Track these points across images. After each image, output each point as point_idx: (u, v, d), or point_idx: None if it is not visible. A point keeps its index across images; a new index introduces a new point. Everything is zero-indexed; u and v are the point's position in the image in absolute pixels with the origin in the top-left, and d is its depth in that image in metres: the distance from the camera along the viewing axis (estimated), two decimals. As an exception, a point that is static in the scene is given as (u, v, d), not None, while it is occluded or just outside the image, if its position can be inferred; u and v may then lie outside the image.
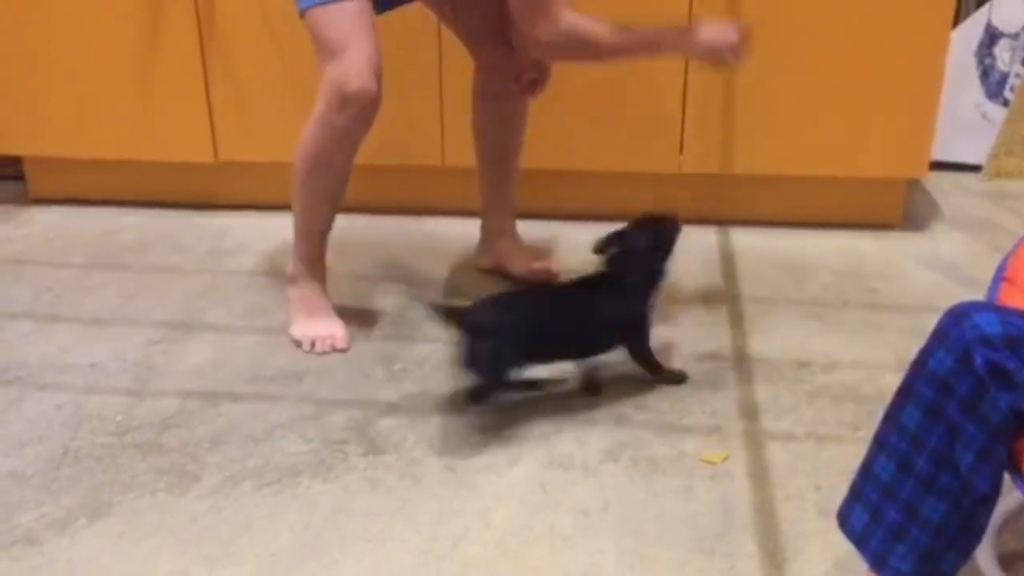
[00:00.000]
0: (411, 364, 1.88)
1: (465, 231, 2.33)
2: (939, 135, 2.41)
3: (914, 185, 2.65)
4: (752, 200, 2.50)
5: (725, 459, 1.60)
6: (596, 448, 1.63)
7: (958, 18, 2.68)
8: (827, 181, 2.45)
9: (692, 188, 2.49)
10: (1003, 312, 1.04)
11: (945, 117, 2.52)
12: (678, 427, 1.69)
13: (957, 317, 1.04)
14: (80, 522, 1.47)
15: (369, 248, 2.38)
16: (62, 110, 2.52)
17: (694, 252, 2.33)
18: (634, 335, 1.76)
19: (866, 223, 2.49)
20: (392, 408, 1.75)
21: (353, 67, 1.70)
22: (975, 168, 2.82)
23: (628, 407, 1.74)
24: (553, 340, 1.70)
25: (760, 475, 1.56)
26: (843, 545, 1.19)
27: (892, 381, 1.13)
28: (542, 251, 2.23)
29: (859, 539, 1.15)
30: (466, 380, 1.69)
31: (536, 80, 2.05)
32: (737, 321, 2.03)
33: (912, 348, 1.11)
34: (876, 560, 1.13)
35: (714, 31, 1.76)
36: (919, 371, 1.08)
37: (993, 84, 2.78)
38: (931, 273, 2.25)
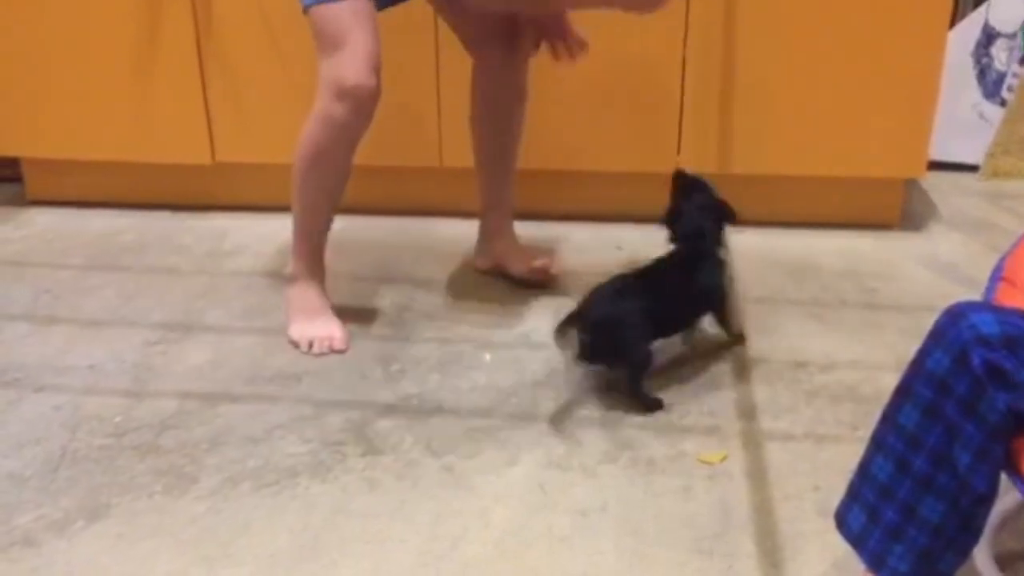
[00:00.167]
0: (409, 365, 1.88)
1: (463, 232, 2.33)
2: (937, 135, 2.41)
3: (912, 185, 2.65)
4: (750, 200, 2.49)
5: (723, 459, 1.60)
6: (594, 448, 1.63)
7: (955, 18, 2.69)
8: (825, 181, 2.45)
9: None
10: (1000, 312, 1.04)
11: (943, 117, 2.52)
12: (676, 427, 1.69)
13: (954, 317, 1.04)
14: (78, 524, 1.47)
15: (367, 249, 2.38)
16: (60, 111, 2.51)
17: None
18: (721, 303, 1.89)
19: (864, 223, 2.49)
20: (390, 409, 1.75)
21: (351, 62, 1.71)
22: (973, 168, 2.82)
23: (626, 407, 1.74)
24: (662, 319, 1.78)
25: (758, 475, 1.56)
26: (841, 545, 1.19)
27: (891, 381, 1.13)
28: (540, 251, 2.23)
29: (857, 539, 1.15)
30: (599, 373, 1.78)
31: (562, 45, 2.00)
32: (735, 321, 2.03)
33: (910, 348, 1.11)
34: (874, 560, 1.13)
35: None
36: (917, 371, 1.08)
37: (990, 84, 2.78)
38: (929, 273, 2.25)
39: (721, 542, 1.42)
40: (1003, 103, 2.77)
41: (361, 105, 1.74)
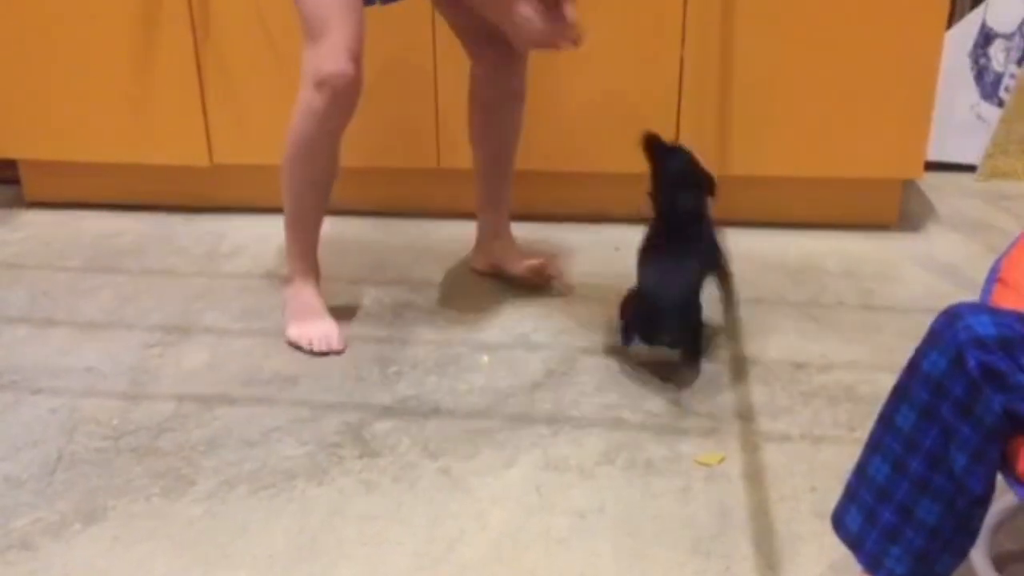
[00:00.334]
0: (406, 367, 1.88)
1: (461, 233, 2.33)
2: (934, 135, 2.41)
3: (910, 186, 2.65)
4: (748, 201, 2.50)
5: (721, 461, 1.60)
6: (592, 450, 1.63)
7: (953, 19, 2.69)
8: (823, 182, 2.45)
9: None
10: (997, 314, 1.04)
11: (940, 117, 2.52)
12: (674, 429, 1.69)
13: (951, 318, 1.04)
14: (75, 526, 1.47)
15: (364, 250, 2.38)
16: (58, 114, 2.51)
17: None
18: (725, 262, 1.99)
19: (862, 224, 2.49)
20: (387, 411, 1.74)
21: (329, 50, 1.72)
22: (970, 168, 2.82)
23: (624, 409, 1.74)
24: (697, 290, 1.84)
25: (756, 476, 1.56)
26: (838, 547, 1.19)
27: (888, 382, 1.13)
28: (538, 252, 2.23)
29: (854, 541, 1.15)
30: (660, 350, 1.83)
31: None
32: (733, 322, 2.03)
33: (908, 349, 1.11)
34: (871, 562, 1.13)
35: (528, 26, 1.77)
36: (913, 373, 1.08)
37: (988, 84, 2.78)
38: (927, 274, 2.25)
39: (718, 543, 1.42)
40: (1001, 104, 2.77)
41: (338, 94, 1.74)
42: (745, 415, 1.72)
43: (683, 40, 2.31)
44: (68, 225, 2.56)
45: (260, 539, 1.44)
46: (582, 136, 2.43)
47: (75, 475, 1.58)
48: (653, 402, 1.76)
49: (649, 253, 1.86)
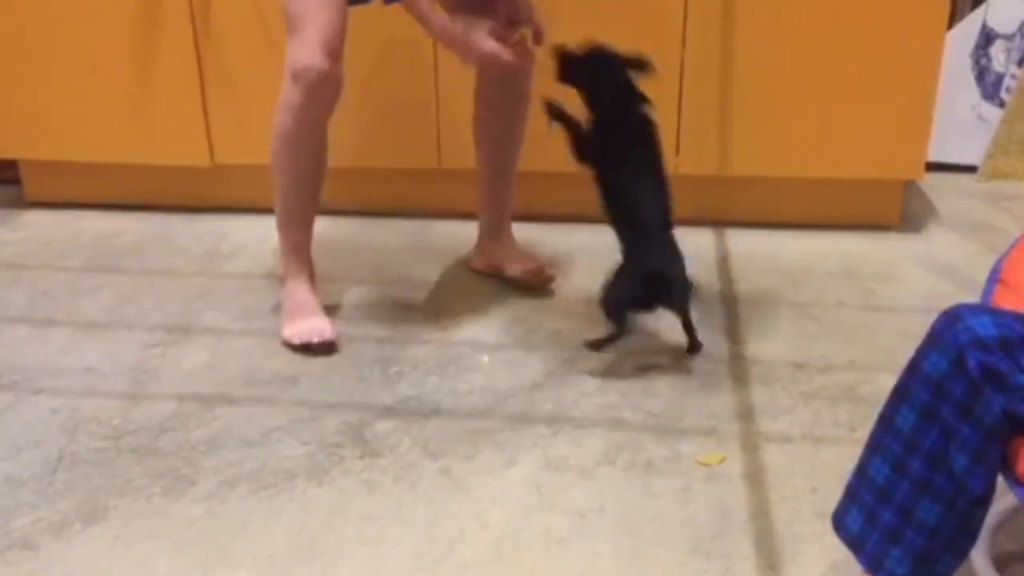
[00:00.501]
0: (407, 367, 1.88)
1: (461, 233, 2.33)
2: (935, 136, 2.41)
3: (910, 186, 2.65)
4: (748, 201, 2.50)
5: (721, 461, 1.60)
6: (592, 450, 1.63)
7: (954, 19, 2.69)
8: (823, 182, 2.45)
9: (688, 189, 2.48)
10: (997, 314, 1.04)
11: (941, 118, 2.52)
12: (674, 429, 1.69)
13: (951, 319, 1.04)
14: (76, 526, 1.47)
15: (365, 250, 2.38)
16: (58, 114, 2.51)
17: (690, 253, 2.32)
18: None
19: (862, 224, 2.49)
20: (388, 411, 1.74)
21: (304, 43, 1.75)
22: (971, 169, 2.82)
23: (624, 409, 1.74)
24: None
25: (756, 477, 1.56)
26: (839, 547, 1.19)
27: (888, 382, 1.13)
28: (538, 253, 2.23)
29: (854, 542, 1.15)
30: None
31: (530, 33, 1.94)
32: (733, 323, 2.03)
33: (908, 350, 1.11)
34: (872, 563, 1.13)
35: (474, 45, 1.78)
36: (913, 373, 1.08)
37: (989, 85, 2.78)
38: (927, 274, 2.25)
39: (719, 544, 1.42)
40: (1002, 104, 2.77)
41: (312, 87, 1.76)
42: (745, 415, 1.72)
43: (684, 41, 2.31)
44: (68, 225, 2.56)
45: (260, 539, 1.44)
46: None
47: (76, 475, 1.58)
48: (653, 402, 1.76)
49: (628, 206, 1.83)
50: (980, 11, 2.74)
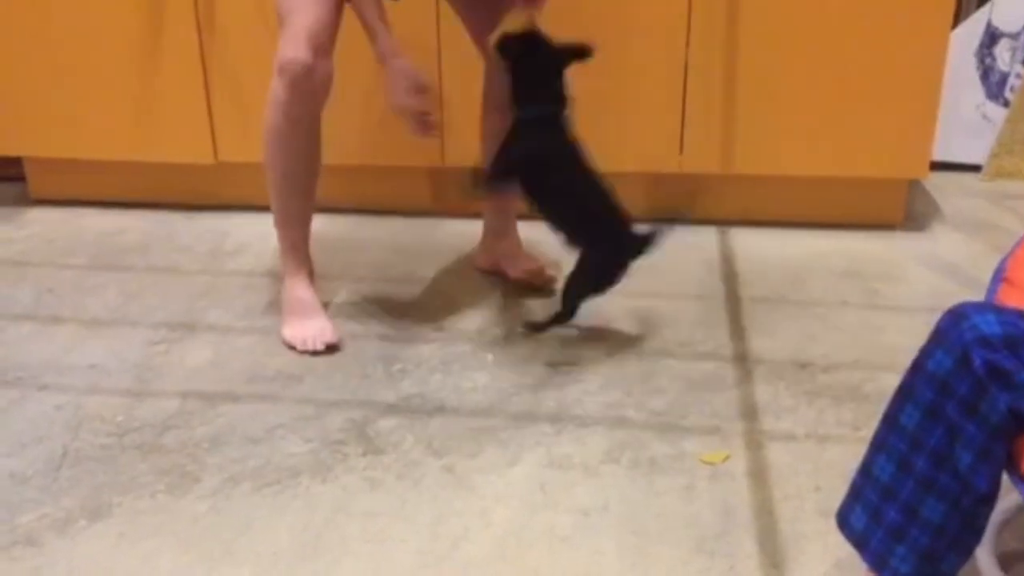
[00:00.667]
0: (410, 365, 1.88)
1: (465, 231, 2.33)
2: (940, 135, 2.41)
3: (915, 185, 2.65)
4: (752, 200, 2.50)
5: (725, 459, 1.60)
6: (596, 448, 1.63)
7: (958, 18, 2.68)
8: (827, 181, 2.45)
9: (692, 188, 2.49)
10: (1002, 313, 1.04)
11: (946, 117, 2.52)
12: (678, 427, 1.69)
13: (956, 318, 1.04)
14: (80, 523, 1.47)
15: (369, 248, 2.38)
16: (63, 111, 2.52)
17: (694, 252, 2.33)
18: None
19: (867, 223, 2.49)
20: (391, 409, 1.75)
21: (290, 37, 1.74)
22: (975, 168, 2.82)
23: (627, 407, 1.74)
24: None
25: (760, 475, 1.56)
26: (843, 546, 1.19)
27: (893, 381, 1.13)
28: (542, 254, 2.23)
29: (859, 540, 1.15)
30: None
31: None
32: (737, 321, 2.03)
33: (913, 349, 1.11)
34: (876, 561, 1.13)
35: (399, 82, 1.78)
36: (918, 372, 1.08)
37: (993, 84, 2.78)
38: (931, 273, 2.25)
39: (723, 542, 1.42)
40: (1006, 103, 2.77)
41: (297, 80, 1.75)
42: (749, 414, 1.72)
43: (688, 40, 2.31)
44: (73, 223, 2.56)
45: (264, 536, 1.44)
46: (587, 135, 2.42)
47: (80, 472, 1.58)
48: (657, 400, 1.76)
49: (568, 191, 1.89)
50: (985, 10, 2.74)
